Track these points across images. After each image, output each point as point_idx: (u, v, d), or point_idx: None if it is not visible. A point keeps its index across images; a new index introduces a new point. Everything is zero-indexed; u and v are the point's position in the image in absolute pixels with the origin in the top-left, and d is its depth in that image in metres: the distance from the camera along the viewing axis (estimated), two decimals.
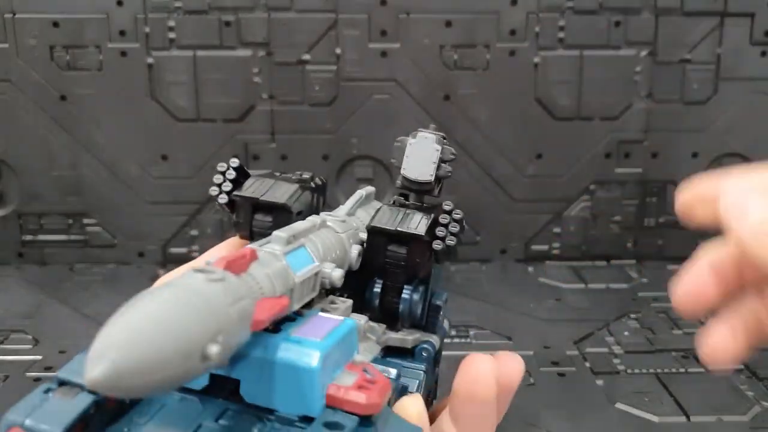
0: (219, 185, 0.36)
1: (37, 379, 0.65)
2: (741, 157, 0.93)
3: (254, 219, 0.35)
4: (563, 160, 0.91)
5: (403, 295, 0.33)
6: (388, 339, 0.33)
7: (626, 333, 0.75)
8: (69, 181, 0.90)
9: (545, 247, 0.94)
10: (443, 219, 0.33)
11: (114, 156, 0.90)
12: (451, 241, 0.33)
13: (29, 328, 0.75)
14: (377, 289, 0.33)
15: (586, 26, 0.88)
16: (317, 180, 0.37)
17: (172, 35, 0.87)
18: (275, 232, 0.28)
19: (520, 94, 0.90)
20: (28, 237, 0.92)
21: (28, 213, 0.91)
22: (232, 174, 0.36)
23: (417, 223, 0.33)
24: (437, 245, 0.33)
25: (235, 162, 0.36)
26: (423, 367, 0.33)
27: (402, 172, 0.36)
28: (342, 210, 0.35)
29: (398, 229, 0.33)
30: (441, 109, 0.90)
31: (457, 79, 0.89)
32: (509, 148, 0.90)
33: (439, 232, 0.33)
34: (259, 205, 0.34)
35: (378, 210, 0.34)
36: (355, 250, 0.32)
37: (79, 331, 0.75)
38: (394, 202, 0.36)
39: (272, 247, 0.27)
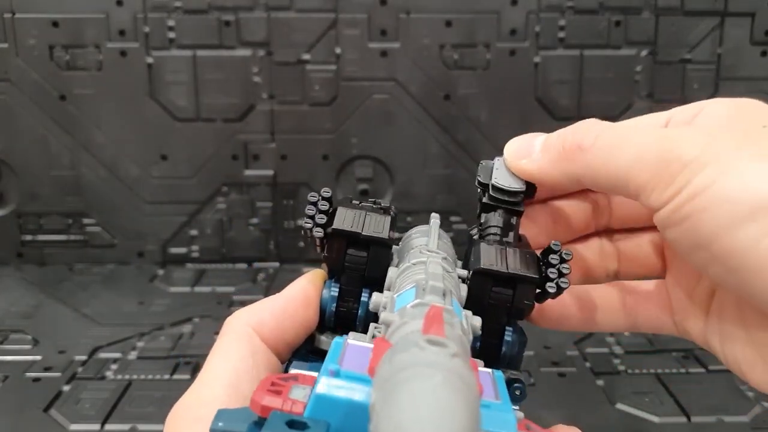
0: (312, 217, 0.33)
1: (37, 380, 0.65)
2: None
3: (348, 254, 0.32)
4: None
5: (506, 338, 0.32)
6: None
7: (626, 333, 0.75)
8: (68, 180, 0.90)
9: None
10: (553, 259, 0.32)
11: (113, 156, 0.90)
12: (564, 283, 0.31)
13: (29, 329, 0.75)
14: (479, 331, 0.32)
15: (586, 26, 0.88)
16: (394, 210, 0.36)
17: (171, 35, 0.87)
18: (430, 282, 0.26)
19: (520, 94, 0.90)
20: (28, 237, 0.92)
21: (28, 213, 0.91)
22: (325, 205, 0.33)
23: (527, 264, 0.31)
24: (551, 288, 0.31)
25: (327, 192, 0.34)
26: (517, 406, 0.32)
27: (493, 181, 0.35)
28: (431, 243, 0.33)
29: (510, 272, 0.31)
30: (441, 108, 0.90)
31: (457, 79, 0.89)
32: None
33: (551, 273, 0.32)
34: (355, 240, 0.32)
35: (479, 247, 0.32)
36: (464, 290, 0.31)
37: (78, 331, 0.75)
38: (482, 234, 0.35)
39: (435, 300, 0.25)
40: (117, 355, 0.70)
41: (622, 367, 0.68)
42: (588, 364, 0.69)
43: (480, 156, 0.90)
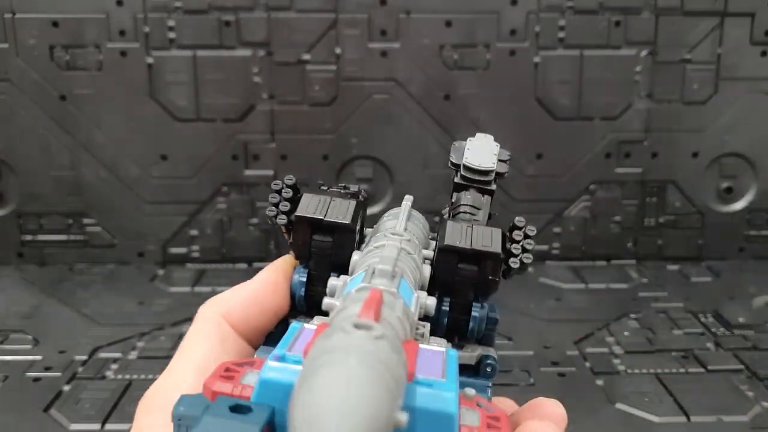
0: (276, 204, 0.33)
1: (37, 380, 0.65)
2: (741, 157, 0.93)
3: (313, 239, 0.33)
4: (563, 160, 0.91)
5: (473, 314, 0.32)
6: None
7: (626, 333, 0.75)
8: (68, 181, 0.90)
9: (545, 247, 0.94)
10: (517, 235, 0.32)
11: (114, 156, 0.90)
12: (527, 258, 0.32)
13: (29, 328, 0.75)
14: (446, 307, 0.32)
15: (586, 26, 0.88)
16: (363, 194, 0.36)
17: (171, 35, 0.87)
18: (378, 266, 0.26)
19: (520, 94, 0.90)
20: (28, 237, 0.92)
21: (28, 213, 0.91)
22: (288, 192, 0.34)
23: (491, 240, 0.32)
24: (514, 263, 0.32)
25: (290, 179, 0.34)
26: (489, 383, 0.32)
27: (464, 161, 0.36)
28: (399, 226, 0.34)
29: (474, 248, 0.31)
30: (441, 109, 0.90)
31: (457, 79, 0.89)
32: (509, 148, 0.90)
33: (515, 249, 0.32)
34: (318, 226, 0.32)
35: (444, 225, 0.33)
36: (426, 270, 0.31)
37: (79, 331, 0.75)
38: (450, 213, 0.35)
39: (381, 282, 0.25)
40: (117, 354, 0.70)
41: (621, 367, 0.68)
42: (588, 364, 0.69)
43: None
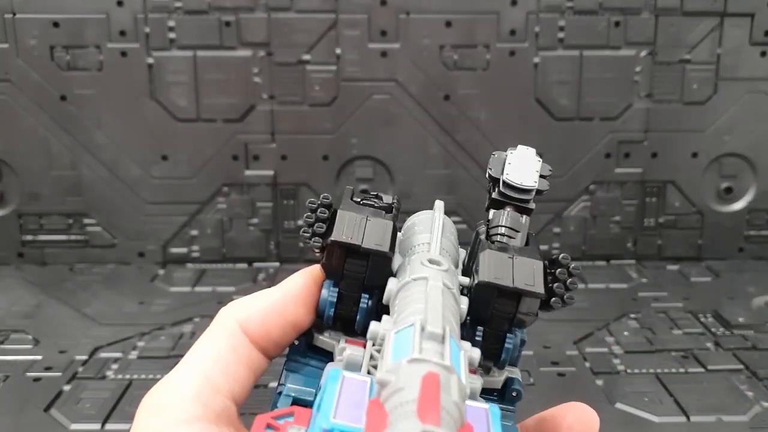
0: (311, 225, 0.31)
1: (37, 379, 0.66)
2: (740, 158, 0.93)
3: (347, 262, 0.31)
4: (563, 160, 0.91)
5: (507, 345, 0.31)
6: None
7: (626, 333, 0.75)
8: (69, 181, 0.91)
9: (545, 247, 0.94)
10: (561, 273, 0.31)
11: (114, 156, 0.90)
12: (570, 299, 0.31)
13: (29, 328, 0.75)
14: (479, 338, 0.31)
15: (586, 26, 0.88)
16: (397, 204, 0.34)
17: (172, 35, 0.87)
18: (428, 328, 0.25)
19: (520, 94, 0.90)
20: (29, 237, 0.92)
21: (28, 213, 0.91)
22: (324, 212, 0.32)
23: (533, 278, 0.30)
24: (556, 303, 0.31)
25: (327, 198, 0.32)
26: (514, 408, 0.32)
27: (504, 177, 0.34)
28: (433, 248, 0.32)
29: (516, 287, 0.30)
30: (441, 109, 0.90)
31: (457, 79, 0.89)
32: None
33: (557, 289, 0.31)
34: (354, 251, 0.31)
35: (483, 255, 0.31)
36: (464, 304, 0.30)
37: (79, 331, 0.75)
38: (489, 234, 0.34)
39: (433, 351, 0.24)
40: (117, 354, 0.70)
41: (621, 367, 0.68)
42: (587, 364, 0.69)
43: (480, 156, 0.91)
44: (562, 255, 0.32)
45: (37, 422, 0.59)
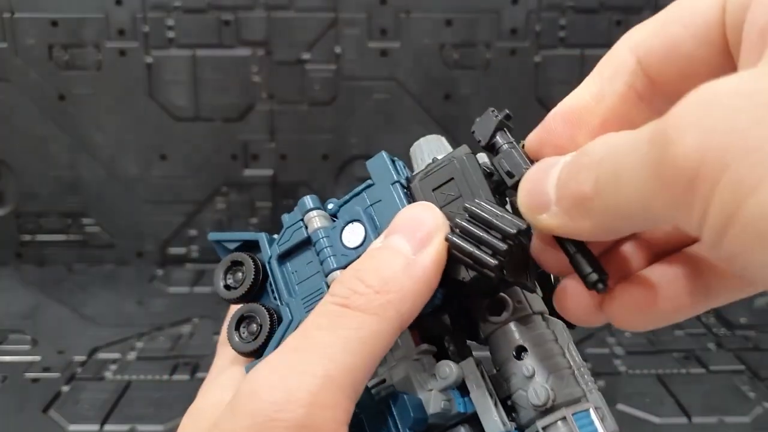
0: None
1: (36, 380, 0.65)
2: None
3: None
4: None
5: None
6: None
7: (627, 333, 0.75)
8: (67, 180, 0.90)
9: None
10: None
11: (112, 156, 0.90)
12: None
13: (28, 329, 0.75)
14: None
15: (586, 25, 0.88)
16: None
17: (171, 34, 0.87)
18: None
19: (521, 93, 0.90)
20: (27, 237, 0.92)
21: (27, 213, 0.91)
22: None
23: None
24: None
25: None
26: None
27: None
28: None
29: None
30: (441, 108, 0.90)
31: (457, 79, 0.89)
32: None
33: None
34: None
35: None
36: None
37: (77, 331, 0.75)
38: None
39: None
40: (116, 355, 0.70)
41: (622, 368, 0.68)
42: (589, 365, 0.69)
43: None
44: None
45: (36, 423, 0.59)
